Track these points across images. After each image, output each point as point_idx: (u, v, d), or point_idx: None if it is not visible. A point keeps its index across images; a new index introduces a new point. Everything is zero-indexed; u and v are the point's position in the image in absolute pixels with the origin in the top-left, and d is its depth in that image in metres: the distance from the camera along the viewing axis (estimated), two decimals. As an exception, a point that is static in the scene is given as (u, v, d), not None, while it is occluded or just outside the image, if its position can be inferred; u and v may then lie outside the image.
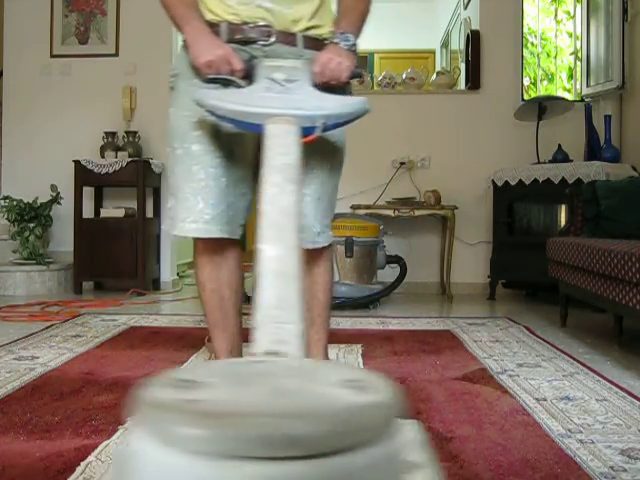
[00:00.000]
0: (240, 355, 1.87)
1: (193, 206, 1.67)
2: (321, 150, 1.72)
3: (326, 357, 1.91)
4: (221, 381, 0.73)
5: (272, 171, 1.26)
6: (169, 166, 1.76)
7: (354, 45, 1.69)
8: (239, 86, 1.62)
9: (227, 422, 0.61)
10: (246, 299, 4.39)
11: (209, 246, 1.75)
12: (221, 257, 1.77)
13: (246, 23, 1.68)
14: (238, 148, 1.72)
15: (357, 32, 1.72)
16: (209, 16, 1.69)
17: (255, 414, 0.62)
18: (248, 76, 1.62)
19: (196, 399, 0.66)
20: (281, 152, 1.33)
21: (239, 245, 1.83)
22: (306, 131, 1.45)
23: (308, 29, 1.72)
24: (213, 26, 1.67)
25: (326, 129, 1.54)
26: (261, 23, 1.68)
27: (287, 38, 1.70)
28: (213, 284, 1.78)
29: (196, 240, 1.75)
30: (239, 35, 1.69)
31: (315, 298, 1.83)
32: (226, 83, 1.63)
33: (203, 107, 1.58)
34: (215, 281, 1.78)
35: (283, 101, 1.50)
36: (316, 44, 1.72)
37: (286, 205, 1.20)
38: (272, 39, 1.69)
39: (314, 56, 1.66)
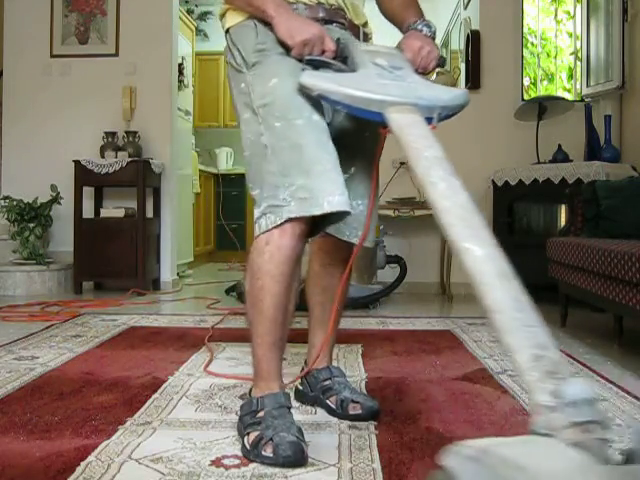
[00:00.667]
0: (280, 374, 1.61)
1: (336, 178, 1.46)
2: (363, 143, 1.66)
3: (330, 360, 1.88)
4: None
5: (429, 164, 1.20)
6: (285, 141, 1.48)
7: (435, 32, 1.66)
8: (339, 69, 1.50)
9: None
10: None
11: (301, 238, 1.49)
12: (300, 255, 1.52)
13: (320, 4, 1.62)
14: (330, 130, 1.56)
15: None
16: None
17: None
18: (338, 57, 1.52)
19: None
20: (427, 145, 1.25)
21: None
22: (427, 121, 1.36)
23: (364, 24, 1.72)
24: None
25: (439, 120, 1.44)
26: (335, 6, 1.64)
27: (354, 28, 1.67)
28: (283, 294, 1.50)
29: (283, 227, 1.46)
30: (322, 14, 1.61)
31: (331, 300, 1.75)
32: (321, 65, 1.50)
33: (313, 91, 1.43)
34: (287, 288, 1.51)
35: (402, 89, 1.41)
36: (366, 39, 1.72)
37: (465, 201, 1.14)
38: (346, 23, 1.65)
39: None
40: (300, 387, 1.87)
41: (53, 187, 4.50)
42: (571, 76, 5.70)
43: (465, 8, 5.44)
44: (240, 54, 1.59)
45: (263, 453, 1.43)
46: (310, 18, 1.57)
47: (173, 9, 4.87)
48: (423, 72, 1.60)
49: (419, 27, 1.65)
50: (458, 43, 5.84)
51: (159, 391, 1.99)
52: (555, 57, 6.00)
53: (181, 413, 1.78)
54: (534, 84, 5.98)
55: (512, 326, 0.98)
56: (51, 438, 1.57)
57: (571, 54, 5.67)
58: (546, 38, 6.05)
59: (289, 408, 1.54)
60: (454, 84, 4.88)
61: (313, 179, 1.45)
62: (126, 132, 4.65)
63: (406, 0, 1.73)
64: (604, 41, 4.37)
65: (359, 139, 1.63)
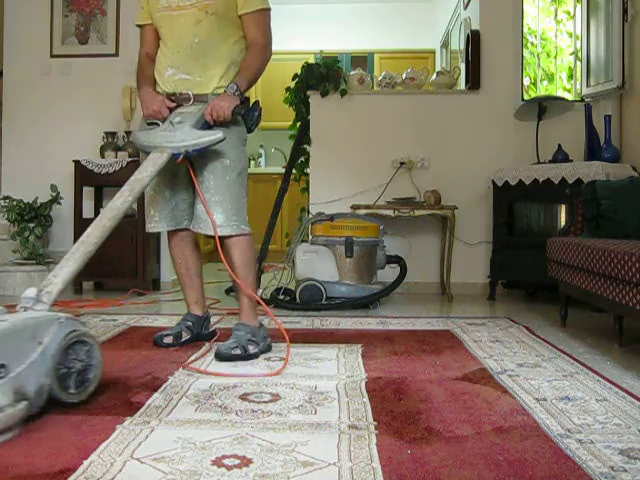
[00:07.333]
0: (204, 304, 2.85)
1: (154, 214, 2.66)
2: (214, 167, 2.44)
3: (252, 319, 2.55)
4: None
5: (129, 182, 2.19)
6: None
7: (237, 91, 2.40)
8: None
9: None
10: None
11: (171, 238, 2.78)
12: (176, 244, 2.82)
13: (168, 94, 2.48)
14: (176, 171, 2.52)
15: (244, 81, 2.44)
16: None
17: None
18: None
19: None
20: (140, 171, 2.21)
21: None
22: (175, 156, 2.30)
23: (215, 89, 2.47)
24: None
25: (189, 154, 2.31)
26: (181, 94, 2.46)
27: (201, 98, 2.47)
28: (180, 259, 2.80)
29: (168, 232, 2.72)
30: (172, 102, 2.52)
31: (234, 272, 2.51)
32: (153, 124, 2.43)
33: (134, 141, 2.44)
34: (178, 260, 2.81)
35: (163, 138, 2.32)
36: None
37: (117, 206, 2.13)
38: (191, 101, 2.47)
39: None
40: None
41: (53, 187, 4.50)
42: (571, 76, 5.70)
43: (465, 8, 5.44)
44: None
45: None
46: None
47: (173, 9, 4.86)
48: (219, 119, 2.38)
49: (226, 88, 2.42)
50: (458, 43, 5.84)
51: (159, 391, 1.99)
52: (555, 57, 6.00)
53: (181, 413, 1.78)
54: (534, 84, 5.98)
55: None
56: (51, 438, 1.57)
57: (571, 54, 5.67)
58: (546, 38, 6.04)
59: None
60: (454, 84, 4.88)
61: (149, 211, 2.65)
62: (126, 132, 4.65)
63: (241, 68, 2.51)
64: (604, 41, 4.37)
65: (178, 172, 2.55)
